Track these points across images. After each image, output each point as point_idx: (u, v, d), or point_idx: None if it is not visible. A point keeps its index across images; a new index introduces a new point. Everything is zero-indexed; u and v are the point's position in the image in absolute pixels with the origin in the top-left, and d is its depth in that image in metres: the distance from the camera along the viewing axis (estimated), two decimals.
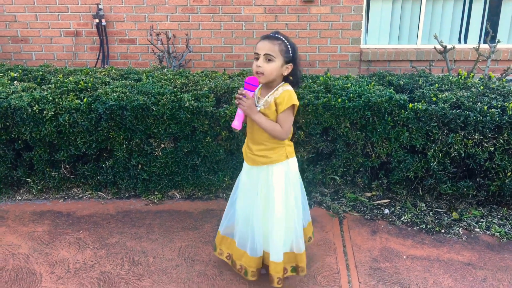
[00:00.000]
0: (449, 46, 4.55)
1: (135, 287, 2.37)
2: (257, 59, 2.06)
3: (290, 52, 2.06)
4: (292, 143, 2.25)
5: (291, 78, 2.13)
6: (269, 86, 2.12)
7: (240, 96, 2.08)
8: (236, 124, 2.10)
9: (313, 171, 3.28)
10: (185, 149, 3.13)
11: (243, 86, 2.11)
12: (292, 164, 2.24)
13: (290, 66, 2.09)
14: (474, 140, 2.91)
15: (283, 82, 2.14)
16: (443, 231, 2.91)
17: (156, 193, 3.29)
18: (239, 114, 2.11)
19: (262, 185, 2.22)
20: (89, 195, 3.31)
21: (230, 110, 3.05)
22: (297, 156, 2.38)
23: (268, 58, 2.03)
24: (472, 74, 3.74)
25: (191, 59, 5.59)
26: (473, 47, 4.61)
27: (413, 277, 2.46)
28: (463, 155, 2.96)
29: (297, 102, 2.10)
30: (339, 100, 3.04)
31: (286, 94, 2.08)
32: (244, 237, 2.32)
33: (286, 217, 2.22)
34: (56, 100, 3.05)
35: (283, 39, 2.06)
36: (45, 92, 3.15)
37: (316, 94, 3.17)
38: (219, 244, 2.47)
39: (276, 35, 2.06)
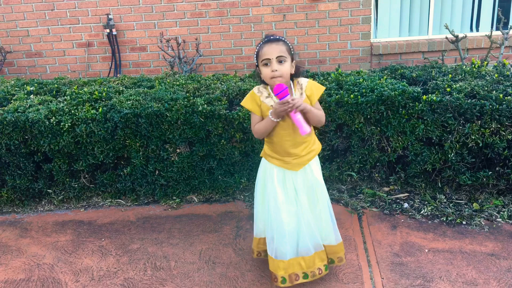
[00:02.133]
0: (461, 35, 4.50)
1: None
2: (267, 64, 2.04)
3: (292, 50, 2.10)
4: None
5: (295, 74, 2.16)
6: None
7: (287, 102, 1.98)
8: (305, 128, 2.01)
9: (329, 168, 3.27)
10: (201, 153, 3.15)
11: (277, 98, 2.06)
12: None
13: (294, 64, 2.12)
14: (491, 129, 2.87)
15: (291, 80, 2.15)
16: (464, 222, 2.88)
17: (174, 198, 3.32)
18: (298, 119, 2.01)
19: (303, 185, 2.22)
20: (109, 203, 3.35)
21: (243, 112, 3.06)
22: None
23: (281, 60, 2.04)
24: (485, 62, 3.69)
25: (202, 63, 5.62)
26: (486, 35, 4.55)
27: (436, 270, 2.44)
28: (480, 144, 2.92)
29: (324, 87, 2.21)
30: (352, 96, 3.03)
31: (312, 85, 2.17)
32: (304, 239, 2.26)
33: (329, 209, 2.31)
34: (72, 111, 3.10)
35: (283, 38, 2.09)
36: (61, 104, 3.21)
37: (328, 91, 3.16)
38: (256, 246, 2.46)
39: (276, 36, 2.08)
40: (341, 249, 2.36)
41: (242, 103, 2.22)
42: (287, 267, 2.22)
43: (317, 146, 2.27)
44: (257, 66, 2.14)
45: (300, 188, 2.21)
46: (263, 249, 2.42)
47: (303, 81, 2.17)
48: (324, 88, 2.21)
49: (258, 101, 2.15)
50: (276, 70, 2.03)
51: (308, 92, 2.14)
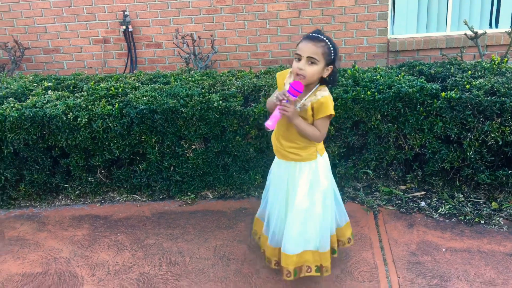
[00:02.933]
0: (480, 32, 4.42)
1: (173, 287, 2.41)
2: (299, 60, 2.01)
3: (332, 54, 2.01)
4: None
5: (328, 79, 2.09)
6: (306, 86, 2.06)
7: (283, 99, 1.99)
8: (270, 124, 2.02)
9: (345, 165, 3.24)
10: (216, 149, 3.15)
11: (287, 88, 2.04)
12: (321, 161, 2.24)
13: (330, 68, 2.05)
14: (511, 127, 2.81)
15: (319, 84, 2.10)
16: (482, 222, 2.83)
17: (189, 194, 3.33)
18: (276, 115, 2.02)
19: (289, 179, 2.24)
20: (124, 198, 3.38)
21: (258, 109, 3.05)
22: (328, 152, 2.38)
23: (311, 61, 1.99)
24: (506, 59, 3.61)
25: (217, 60, 5.63)
26: (505, 31, 4.47)
27: (454, 270, 2.41)
28: (500, 143, 2.86)
29: (333, 113, 2.09)
30: (369, 92, 2.99)
31: (325, 101, 2.05)
32: (268, 224, 2.38)
33: (311, 213, 2.21)
34: (89, 107, 3.13)
35: (327, 40, 2.00)
36: (78, 100, 3.23)
37: (345, 88, 3.13)
38: (254, 225, 2.60)
39: (320, 36, 2.00)
40: (343, 234, 2.43)
41: (277, 73, 2.25)
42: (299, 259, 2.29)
43: (309, 155, 2.18)
44: None
45: (288, 179, 2.25)
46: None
47: (323, 93, 2.07)
48: (329, 113, 2.08)
49: (283, 81, 2.18)
50: (301, 69, 2.00)
51: (316, 106, 2.07)
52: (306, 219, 2.21)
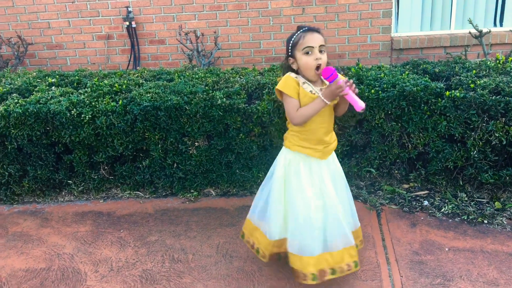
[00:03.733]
0: (484, 30, 4.40)
1: (176, 283, 2.41)
2: (308, 53, 2.04)
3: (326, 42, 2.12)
4: None
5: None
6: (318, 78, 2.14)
7: (344, 84, 1.98)
8: (361, 102, 2.00)
9: (348, 164, 3.24)
10: (219, 147, 3.16)
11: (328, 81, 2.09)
12: None
13: None
14: None
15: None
16: (486, 221, 2.83)
17: (192, 191, 3.33)
18: (352, 96, 2.00)
19: (328, 174, 2.22)
20: (127, 195, 3.38)
21: (262, 106, 3.05)
22: None
23: (322, 50, 2.07)
24: (510, 58, 3.59)
25: (220, 57, 5.62)
26: (510, 30, 4.45)
27: (457, 269, 2.41)
28: (504, 142, 2.85)
29: None
30: (373, 91, 2.99)
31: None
32: (333, 234, 2.21)
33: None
34: (93, 103, 3.13)
35: (320, 30, 2.11)
36: (82, 96, 3.24)
37: None
38: (265, 250, 2.33)
39: (315, 27, 2.10)
40: (359, 235, 2.45)
41: (279, 88, 2.11)
42: (317, 263, 2.16)
43: (335, 136, 2.32)
44: (290, 56, 2.13)
45: (327, 179, 2.20)
46: (276, 252, 2.33)
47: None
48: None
49: (297, 86, 2.09)
50: (319, 59, 2.04)
51: None
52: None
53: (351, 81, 2.02)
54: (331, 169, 2.26)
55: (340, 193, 2.28)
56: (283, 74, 2.19)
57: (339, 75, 2.05)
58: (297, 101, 2.09)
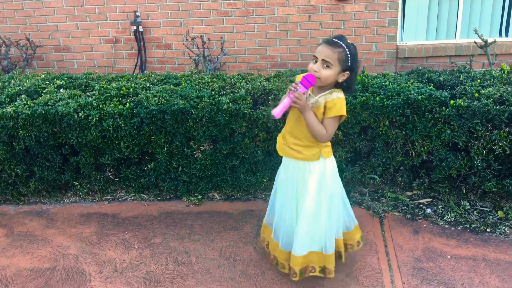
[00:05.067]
0: (490, 40, 4.42)
1: (180, 286, 2.43)
2: (315, 61, 2.07)
3: (349, 61, 2.04)
4: (329, 144, 2.26)
5: (344, 84, 2.13)
6: (321, 87, 2.14)
7: (294, 89, 2.04)
8: (277, 112, 2.04)
9: (352, 170, 3.26)
10: (224, 151, 3.18)
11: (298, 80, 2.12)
12: (329, 164, 2.26)
13: (346, 74, 2.08)
14: None
15: (335, 88, 2.15)
16: (488, 230, 2.84)
17: (196, 194, 3.36)
18: (285, 103, 2.06)
19: (299, 180, 2.27)
20: (132, 197, 3.41)
21: (268, 112, 3.08)
22: (335, 156, 2.39)
23: (326, 65, 2.04)
24: None
25: (226, 62, 5.66)
26: None
27: (458, 277, 2.42)
28: (508, 152, 2.87)
29: (345, 114, 2.12)
30: (377, 99, 3.01)
31: (338, 102, 2.09)
32: (278, 229, 2.39)
33: (317, 215, 2.24)
34: (100, 106, 3.17)
35: (345, 47, 2.03)
36: (90, 99, 3.28)
37: (354, 94, 3.15)
38: (262, 232, 2.60)
39: (339, 41, 2.03)
40: (351, 238, 2.47)
41: (296, 76, 2.25)
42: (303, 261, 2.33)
43: (312, 156, 2.20)
44: None
45: (297, 181, 2.28)
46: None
47: (336, 94, 2.11)
48: (341, 114, 2.11)
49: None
50: (315, 71, 2.05)
51: (330, 105, 2.10)
52: (313, 219, 2.24)
53: (299, 94, 2.03)
54: (303, 177, 2.25)
55: (300, 204, 2.29)
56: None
57: (306, 90, 2.07)
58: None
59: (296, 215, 2.30)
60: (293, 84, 2.07)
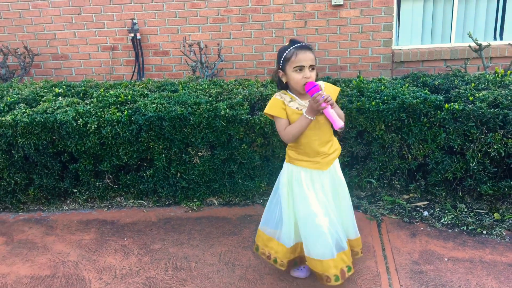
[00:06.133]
0: (484, 44, 4.47)
1: None
2: (300, 70, 2.09)
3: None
4: None
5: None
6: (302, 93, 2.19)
7: (320, 99, 2.03)
8: (340, 121, 2.05)
9: (349, 174, 3.29)
10: (222, 157, 3.21)
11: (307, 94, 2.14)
12: None
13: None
14: None
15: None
16: (485, 232, 2.86)
17: (195, 200, 3.38)
18: (331, 114, 2.06)
19: (329, 184, 2.29)
20: (131, 204, 3.43)
21: (265, 117, 3.10)
22: None
23: (312, 68, 2.13)
24: (509, 71, 3.66)
25: (223, 68, 5.69)
26: (509, 44, 4.51)
27: (456, 279, 2.44)
28: (503, 154, 2.90)
29: (339, 88, 2.38)
30: (373, 103, 3.05)
31: (329, 86, 2.27)
32: (302, 239, 2.31)
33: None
34: (99, 113, 3.19)
35: (311, 46, 2.16)
36: (88, 106, 3.30)
37: (350, 98, 3.18)
38: (264, 245, 2.44)
39: (307, 44, 2.14)
40: (359, 244, 2.47)
41: (266, 111, 2.23)
42: (337, 263, 2.23)
43: (339, 145, 2.37)
44: (280, 69, 2.17)
45: (327, 188, 2.27)
46: (292, 258, 2.41)
47: (320, 83, 2.24)
48: (339, 88, 2.33)
49: (283, 105, 2.19)
50: (308, 77, 2.10)
51: (327, 92, 2.21)
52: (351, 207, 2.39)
53: (329, 96, 2.06)
54: (333, 178, 2.31)
55: (342, 202, 2.35)
56: (277, 86, 2.29)
57: (321, 91, 2.10)
58: (285, 120, 2.20)
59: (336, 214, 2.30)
60: (317, 97, 2.04)
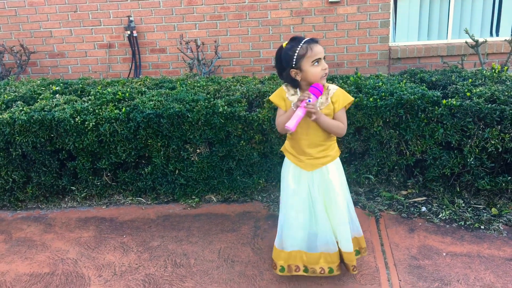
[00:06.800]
0: (481, 40, 4.48)
1: (179, 287, 2.46)
2: (318, 62, 2.10)
3: None
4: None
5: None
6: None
7: (305, 99, 2.06)
8: (293, 125, 2.05)
9: (347, 171, 3.30)
10: (220, 154, 3.21)
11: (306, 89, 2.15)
12: (338, 159, 2.37)
13: None
14: (511, 134, 2.87)
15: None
16: (482, 227, 2.88)
17: (193, 197, 3.38)
18: (299, 115, 2.07)
19: (319, 185, 2.28)
20: (130, 201, 3.43)
21: (263, 114, 3.11)
22: None
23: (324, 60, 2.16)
24: (506, 67, 3.68)
25: (220, 65, 5.69)
26: (506, 40, 4.53)
27: (454, 274, 2.45)
28: (500, 149, 2.92)
29: (353, 98, 2.26)
30: (371, 99, 3.05)
31: (341, 93, 2.22)
32: (311, 240, 2.33)
33: (348, 208, 2.36)
34: (97, 111, 3.19)
35: None
36: (86, 104, 3.29)
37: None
38: (285, 261, 2.37)
39: (315, 38, 2.17)
40: (363, 242, 2.48)
41: (270, 98, 2.33)
42: (287, 258, 2.35)
43: (335, 152, 2.31)
44: (294, 68, 2.12)
45: (316, 188, 2.27)
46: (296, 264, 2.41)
47: (332, 87, 2.21)
48: (352, 99, 2.24)
49: (284, 97, 2.25)
50: (327, 68, 2.13)
51: (334, 99, 2.18)
52: (347, 215, 2.34)
53: (313, 106, 2.07)
54: (324, 180, 2.28)
55: (332, 204, 2.29)
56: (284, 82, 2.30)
57: (316, 100, 2.11)
58: (281, 110, 2.26)
59: (326, 217, 2.30)
60: (304, 94, 2.08)
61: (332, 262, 2.33)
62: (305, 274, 2.37)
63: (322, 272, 2.35)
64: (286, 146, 2.36)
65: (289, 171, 2.32)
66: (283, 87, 2.27)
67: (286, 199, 2.34)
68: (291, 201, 2.31)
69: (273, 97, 2.30)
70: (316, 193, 2.27)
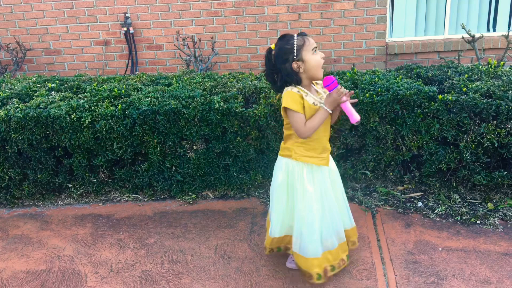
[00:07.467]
0: (477, 35, 4.48)
1: (176, 284, 2.46)
2: (315, 52, 2.14)
3: None
4: None
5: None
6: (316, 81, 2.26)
7: (340, 93, 2.08)
8: (357, 114, 2.07)
9: (344, 166, 3.30)
10: (217, 150, 3.21)
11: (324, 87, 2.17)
12: None
13: None
14: (507, 129, 2.87)
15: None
16: (478, 222, 2.89)
17: (190, 193, 3.38)
18: (349, 107, 2.09)
19: (330, 177, 2.33)
20: (126, 198, 3.43)
21: (259, 110, 3.10)
22: None
23: None
24: (502, 62, 3.67)
25: (217, 62, 5.68)
26: (502, 35, 4.53)
27: (450, 268, 2.46)
28: (496, 144, 2.92)
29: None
30: (367, 95, 3.05)
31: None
32: (330, 234, 2.33)
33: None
34: (92, 107, 3.18)
35: None
36: (82, 101, 3.29)
37: None
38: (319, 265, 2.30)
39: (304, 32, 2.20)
40: (355, 233, 2.51)
41: (289, 106, 2.10)
42: (321, 263, 2.28)
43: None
44: (296, 60, 2.10)
45: (327, 181, 2.29)
46: (276, 246, 2.45)
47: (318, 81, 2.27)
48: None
49: (301, 100, 2.12)
50: (323, 56, 2.17)
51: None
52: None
53: (352, 92, 2.14)
54: (331, 171, 2.35)
55: (338, 193, 2.38)
56: (280, 86, 2.20)
57: (339, 85, 2.11)
58: (303, 115, 2.12)
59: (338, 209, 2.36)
60: (340, 90, 2.08)
61: (345, 249, 2.39)
62: (333, 273, 2.33)
63: (343, 263, 2.39)
64: (300, 151, 2.21)
65: (303, 175, 2.22)
66: (292, 90, 2.13)
67: (310, 206, 2.23)
68: (315, 206, 2.23)
69: (291, 105, 2.10)
70: (329, 188, 2.29)
